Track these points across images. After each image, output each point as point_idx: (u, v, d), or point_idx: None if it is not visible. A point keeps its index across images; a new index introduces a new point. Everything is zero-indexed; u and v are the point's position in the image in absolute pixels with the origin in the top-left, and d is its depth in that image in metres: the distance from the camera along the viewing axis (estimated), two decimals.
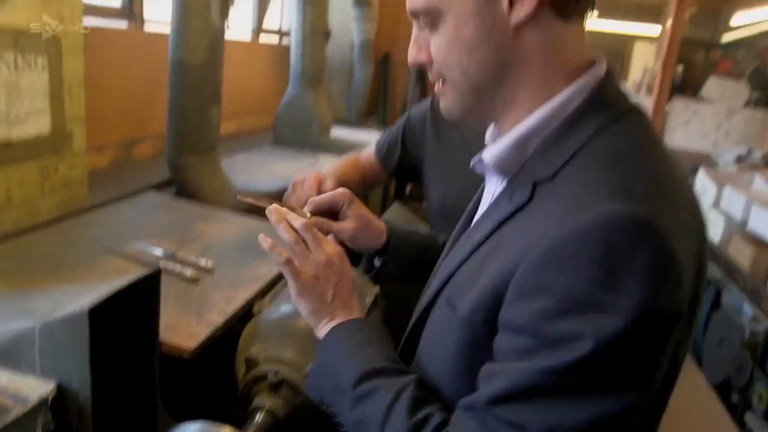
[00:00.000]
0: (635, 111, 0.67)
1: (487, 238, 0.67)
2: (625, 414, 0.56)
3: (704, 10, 9.12)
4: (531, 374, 0.56)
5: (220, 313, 1.46)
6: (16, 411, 0.94)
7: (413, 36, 0.72)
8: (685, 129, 6.53)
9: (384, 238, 1.01)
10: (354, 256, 0.97)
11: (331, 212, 0.97)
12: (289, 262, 0.81)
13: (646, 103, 6.13)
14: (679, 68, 8.51)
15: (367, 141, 4.15)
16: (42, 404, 0.98)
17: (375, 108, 6.08)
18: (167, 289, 1.50)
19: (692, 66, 9.30)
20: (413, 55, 0.72)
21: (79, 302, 1.12)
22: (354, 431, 0.73)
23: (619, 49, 9.41)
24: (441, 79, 0.71)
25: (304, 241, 0.82)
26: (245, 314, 1.54)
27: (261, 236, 0.82)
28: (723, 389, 3.23)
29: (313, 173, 1.19)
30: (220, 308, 1.49)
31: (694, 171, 4.43)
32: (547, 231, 0.57)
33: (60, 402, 1.01)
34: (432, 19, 0.67)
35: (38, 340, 1.07)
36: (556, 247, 0.56)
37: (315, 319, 0.83)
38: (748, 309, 3.14)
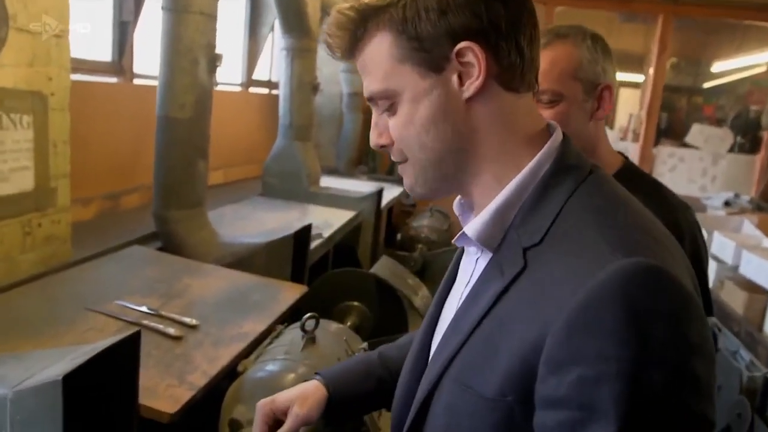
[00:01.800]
0: (596, 167, 0.69)
1: (487, 313, 0.64)
2: None
3: (685, 59, 9.40)
4: None
5: (203, 374, 1.42)
6: None
7: (373, 121, 0.74)
8: (672, 175, 6.62)
9: (324, 389, 0.95)
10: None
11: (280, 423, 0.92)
12: None
13: (633, 149, 6.22)
14: (664, 114, 8.72)
15: (357, 191, 4.18)
16: None
17: (365, 157, 6.12)
18: (149, 348, 1.46)
19: (676, 111, 9.54)
20: (374, 138, 0.74)
21: (53, 368, 1.08)
22: None
23: None
24: (403, 159, 0.72)
25: None
26: (230, 371, 1.50)
27: None
28: None
29: None
30: (203, 369, 1.44)
31: None
32: (564, 301, 0.56)
33: None
34: (390, 102, 0.69)
35: (10, 409, 1.03)
36: (579, 314, 0.55)
37: None
38: (744, 353, 3.11)
